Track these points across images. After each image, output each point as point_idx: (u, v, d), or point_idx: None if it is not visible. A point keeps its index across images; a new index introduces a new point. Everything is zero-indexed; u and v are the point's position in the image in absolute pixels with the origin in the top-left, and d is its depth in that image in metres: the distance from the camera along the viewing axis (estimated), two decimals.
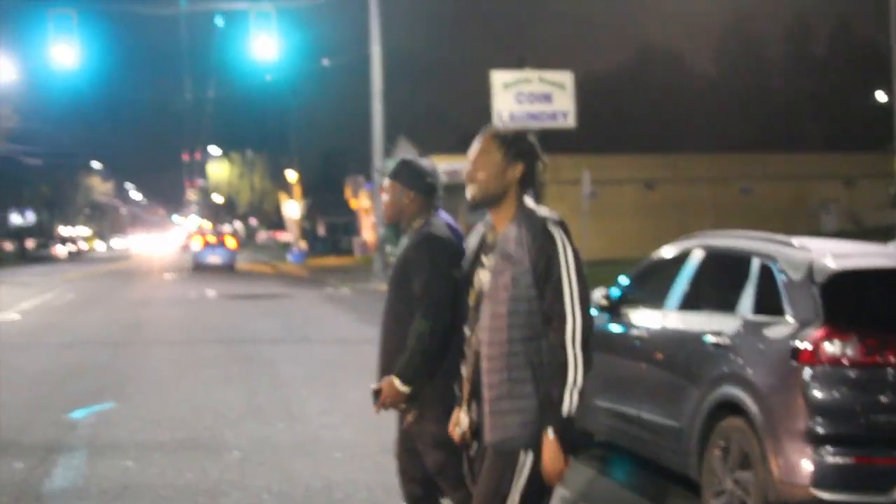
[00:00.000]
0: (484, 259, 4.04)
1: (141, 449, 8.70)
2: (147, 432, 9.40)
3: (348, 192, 68.76)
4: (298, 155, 68.92)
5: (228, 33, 36.99)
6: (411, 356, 4.48)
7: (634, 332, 7.45)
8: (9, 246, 78.03)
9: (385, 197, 5.00)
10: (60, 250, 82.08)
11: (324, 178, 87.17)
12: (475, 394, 4.04)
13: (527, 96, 35.03)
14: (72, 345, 16.85)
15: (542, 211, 3.95)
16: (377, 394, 4.59)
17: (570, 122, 34.93)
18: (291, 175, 69.18)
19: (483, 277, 4.00)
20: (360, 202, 63.47)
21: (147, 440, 9.05)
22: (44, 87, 58.25)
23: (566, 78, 35.52)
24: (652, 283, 7.84)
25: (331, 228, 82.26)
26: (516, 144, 4.04)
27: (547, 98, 35.07)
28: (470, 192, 4.02)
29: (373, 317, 17.80)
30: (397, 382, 4.49)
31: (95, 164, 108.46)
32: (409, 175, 4.87)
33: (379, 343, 4.82)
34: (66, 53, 28.69)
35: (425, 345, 4.46)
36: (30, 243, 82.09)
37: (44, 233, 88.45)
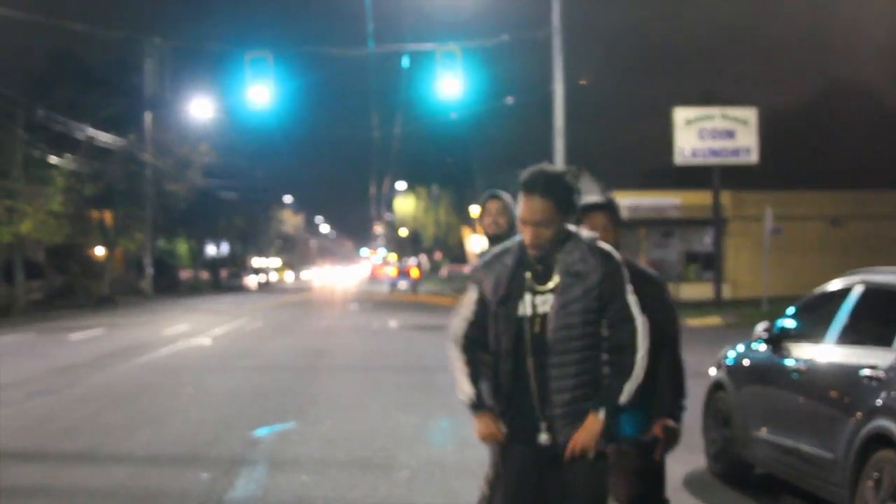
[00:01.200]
0: (531, 282, 4.29)
1: (317, 465, 9.19)
2: (324, 450, 9.89)
3: None
4: (482, 190, 69.52)
5: (415, 72, 37.96)
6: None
7: (794, 364, 7.49)
8: (205, 275, 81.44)
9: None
10: (251, 280, 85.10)
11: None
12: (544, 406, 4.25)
13: (709, 132, 34.78)
14: (258, 369, 17.66)
15: (584, 232, 4.37)
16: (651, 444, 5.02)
17: (753, 157, 34.47)
18: (475, 210, 69.81)
19: (537, 300, 4.27)
20: None
21: (323, 457, 9.54)
22: (239, 125, 60.94)
23: (750, 114, 35.12)
24: (814, 317, 7.85)
25: None
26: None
27: (730, 134, 34.74)
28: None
29: None
30: (672, 424, 5.01)
31: (287, 199, 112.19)
32: (617, 211, 5.19)
33: None
34: (261, 94, 29.96)
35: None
36: (224, 273, 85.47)
37: (237, 263, 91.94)
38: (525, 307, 4.26)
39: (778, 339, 7.98)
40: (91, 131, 42.97)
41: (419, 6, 39.39)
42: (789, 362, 7.60)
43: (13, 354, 21.28)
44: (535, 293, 4.27)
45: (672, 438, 5.01)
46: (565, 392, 4.20)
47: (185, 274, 77.57)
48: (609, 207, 5.07)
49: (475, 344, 4.41)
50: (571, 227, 4.34)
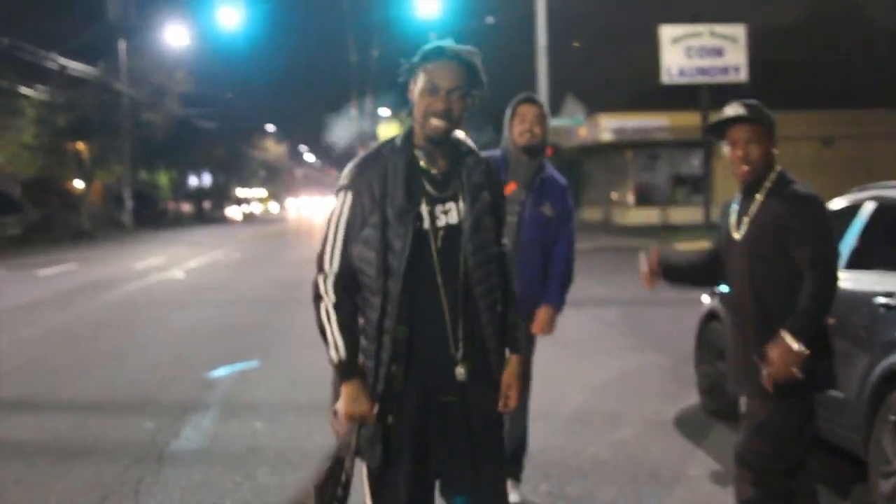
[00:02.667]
0: (427, 187, 3.64)
1: (274, 410, 8.46)
2: (284, 393, 9.15)
3: None
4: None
5: None
6: (809, 315, 4.07)
7: None
8: (188, 207, 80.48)
9: (732, 151, 4.41)
10: (234, 211, 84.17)
11: (491, 138, 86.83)
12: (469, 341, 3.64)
13: (696, 51, 33.86)
14: (229, 303, 16.92)
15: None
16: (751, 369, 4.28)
17: (742, 76, 33.57)
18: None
19: (437, 210, 3.62)
20: None
21: (282, 401, 8.80)
22: (217, 52, 59.54)
23: (738, 31, 34.15)
24: None
25: None
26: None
27: (718, 52, 33.82)
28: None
29: None
30: (791, 340, 4.03)
31: (269, 128, 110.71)
32: (769, 118, 4.39)
33: (738, 317, 4.49)
34: (230, 16, 28.95)
35: (822, 308, 4.13)
36: (207, 205, 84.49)
37: (220, 194, 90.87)
38: (424, 219, 3.58)
39: None
40: (62, 60, 41.77)
41: None
42: None
43: None
44: (432, 201, 3.62)
45: (787, 358, 4.08)
46: (489, 315, 3.67)
47: (167, 206, 76.66)
48: (753, 118, 4.29)
49: (350, 280, 3.62)
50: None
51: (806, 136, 39.09)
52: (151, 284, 21.14)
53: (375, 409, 3.54)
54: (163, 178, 75.01)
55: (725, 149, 4.38)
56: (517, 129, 5.64)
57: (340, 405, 3.59)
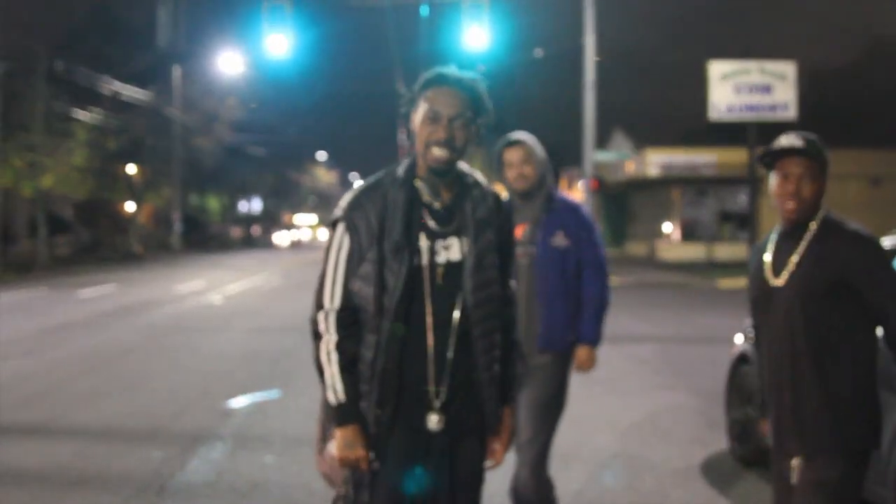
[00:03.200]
0: (428, 221, 3.49)
1: (287, 443, 8.28)
2: (300, 425, 8.91)
3: (563, 185, 68.07)
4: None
5: (440, 23, 36.87)
6: None
7: None
8: (237, 232, 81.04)
9: (782, 184, 3.97)
10: (282, 237, 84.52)
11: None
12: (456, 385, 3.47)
13: (745, 87, 33.37)
14: (261, 329, 16.84)
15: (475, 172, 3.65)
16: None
17: (791, 114, 33.04)
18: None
19: (437, 245, 3.48)
20: (575, 195, 62.69)
21: (297, 434, 8.56)
22: (268, 80, 59.93)
23: (788, 68, 33.65)
24: None
25: None
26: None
27: (767, 89, 33.32)
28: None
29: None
30: None
31: (320, 155, 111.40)
32: (825, 155, 3.98)
33: (786, 368, 3.95)
34: (278, 43, 28.98)
35: None
36: (256, 230, 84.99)
37: (270, 220, 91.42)
38: (422, 254, 3.44)
39: None
40: (115, 85, 42.27)
41: None
42: None
43: (13, 311, 20.63)
44: (433, 236, 3.47)
45: None
46: (487, 359, 3.51)
47: (216, 230, 77.17)
48: (810, 152, 3.89)
49: (352, 317, 3.46)
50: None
51: (854, 174, 38.50)
52: (187, 309, 21.15)
53: (371, 456, 3.40)
54: (213, 203, 75.59)
55: (773, 181, 3.93)
56: (509, 175, 5.40)
57: (333, 448, 3.44)
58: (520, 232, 5.23)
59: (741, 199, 40.11)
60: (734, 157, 36.82)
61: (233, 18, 53.62)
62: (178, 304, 22.01)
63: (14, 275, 33.91)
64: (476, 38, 30.12)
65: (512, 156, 5.38)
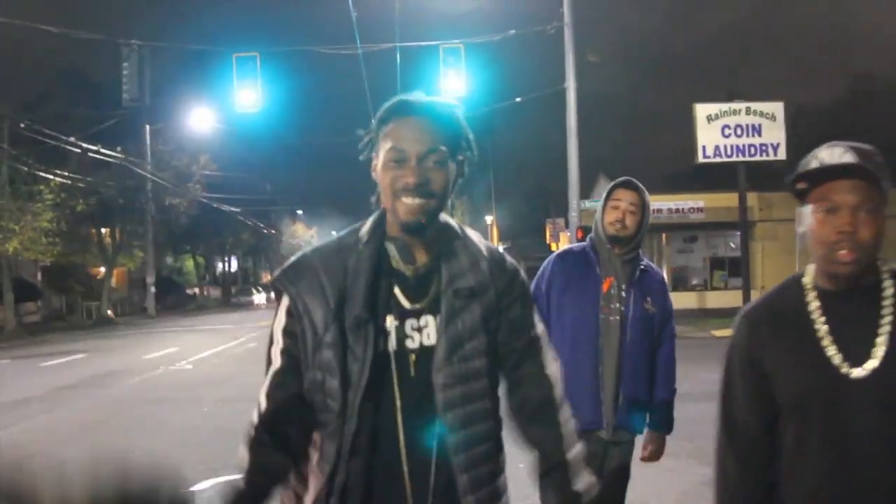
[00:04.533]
0: (398, 296, 2.65)
1: None
2: None
3: (548, 236, 67.30)
4: (496, 197, 68.17)
5: (418, 71, 36.02)
6: None
7: None
8: (215, 293, 79.85)
9: (827, 221, 2.78)
10: (259, 297, 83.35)
11: (523, 220, 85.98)
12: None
13: (733, 129, 32.60)
14: (230, 400, 15.49)
15: (469, 231, 2.86)
16: None
17: (781, 154, 32.27)
18: (489, 219, 68.53)
19: (408, 326, 2.63)
20: (560, 247, 61.90)
21: None
22: (241, 137, 59.20)
23: (776, 108, 32.91)
24: None
25: (530, 273, 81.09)
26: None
27: (756, 130, 32.56)
28: None
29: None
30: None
31: (299, 211, 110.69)
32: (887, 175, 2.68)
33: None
34: (249, 97, 28.02)
35: None
36: (233, 290, 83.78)
37: (248, 279, 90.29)
38: (391, 338, 2.60)
39: None
40: (84, 144, 41.21)
41: (423, 6, 37.35)
42: None
43: None
44: (403, 314, 2.63)
45: None
46: (471, 478, 2.61)
47: (193, 291, 75.93)
48: (873, 173, 2.55)
49: (285, 424, 2.60)
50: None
51: None
52: (155, 377, 19.86)
53: None
54: (189, 264, 74.49)
55: (809, 216, 2.63)
56: (609, 216, 4.97)
57: None
58: (606, 286, 4.91)
59: (732, 245, 39.25)
60: (723, 200, 36.08)
61: (202, 73, 52.58)
62: (147, 373, 20.67)
63: None
64: (453, 83, 29.29)
65: (623, 197, 4.98)
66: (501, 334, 2.72)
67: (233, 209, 63.60)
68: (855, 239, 2.50)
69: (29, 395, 17.08)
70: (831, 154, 2.58)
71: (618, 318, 4.91)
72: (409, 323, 2.61)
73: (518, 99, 37.59)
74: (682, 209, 39.51)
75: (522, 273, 2.83)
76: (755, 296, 35.14)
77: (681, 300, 40.28)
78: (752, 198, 35.78)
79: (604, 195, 5.07)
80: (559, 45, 31.96)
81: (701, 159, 33.20)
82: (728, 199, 34.35)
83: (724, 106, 33.03)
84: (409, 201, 2.55)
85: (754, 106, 32.92)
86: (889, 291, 2.58)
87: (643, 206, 4.98)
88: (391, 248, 2.66)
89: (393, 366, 2.57)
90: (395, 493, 2.55)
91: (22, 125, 37.27)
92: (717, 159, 32.91)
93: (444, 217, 2.72)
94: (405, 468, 2.54)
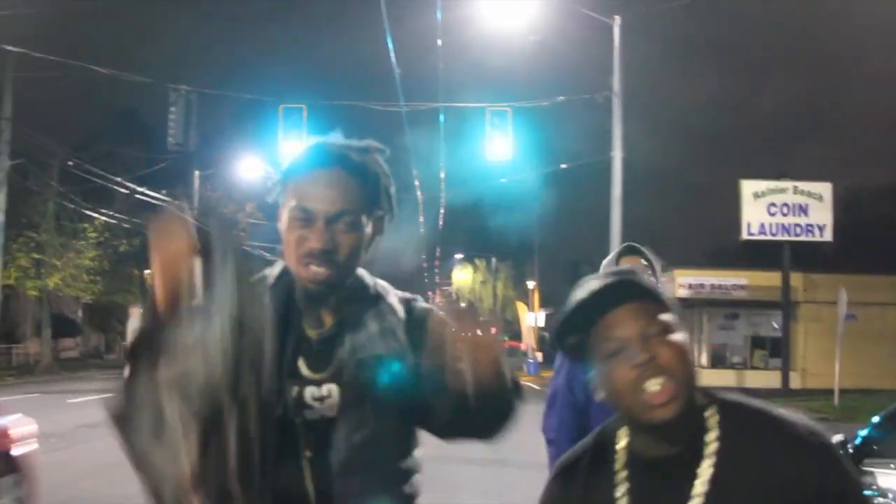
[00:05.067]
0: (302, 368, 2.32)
1: None
2: None
3: None
4: (539, 263, 67.94)
5: (463, 133, 36.02)
6: None
7: (879, 498, 5.35)
8: None
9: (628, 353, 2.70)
10: None
11: (566, 287, 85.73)
12: None
13: (780, 207, 32.27)
14: None
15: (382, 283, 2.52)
16: None
17: (827, 236, 31.92)
18: (531, 284, 68.31)
19: (307, 393, 2.28)
20: None
21: None
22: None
23: (824, 189, 32.59)
24: None
25: None
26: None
27: (802, 210, 32.22)
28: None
29: None
30: None
31: None
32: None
33: None
34: (295, 147, 28.15)
35: None
36: None
37: None
38: (288, 408, 2.26)
39: (857, 461, 5.85)
40: (130, 185, 41.63)
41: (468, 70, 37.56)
42: (874, 496, 5.50)
43: None
44: (304, 383, 2.29)
45: None
46: None
47: None
48: (637, 287, 2.10)
49: None
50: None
51: (893, 302, 37.09)
52: None
53: None
54: None
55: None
56: None
57: None
58: None
59: (773, 324, 38.70)
60: (766, 279, 35.61)
61: (251, 123, 53.17)
62: None
63: (14, 377, 32.72)
64: (499, 146, 29.18)
65: (630, 264, 4.50)
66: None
67: (273, 258, 63.92)
68: (655, 365, 1.95)
69: (50, 430, 16.97)
70: (587, 288, 2.05)
71: None
72: (309, 391, 2.29)
73: (563, 165, 37.53)
74: (725, 286, 39.08)
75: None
76: (795, 377, 34.39)
77: (719, 378, 39.66)
78: (797, 278, 35.32)
79: (613, 262, 4.68)
80: (607, 114, 31.86)
81: (745, 236, 32.89)
82: (771, 278, 33.90)
83: (772, 184, 32.75)
84: (313, 269, 2.28)
85: (802, 185, 32.61)
86: (711, 447, 1.98)
87: (653, 270, 4.62)
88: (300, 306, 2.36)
89: (296, 440, 2.25)
90: None
91: (70, 163, 37.65)
92: (762, 237, 32.58)
93: (360, 273, 2.43)
94: None
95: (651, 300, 2.02)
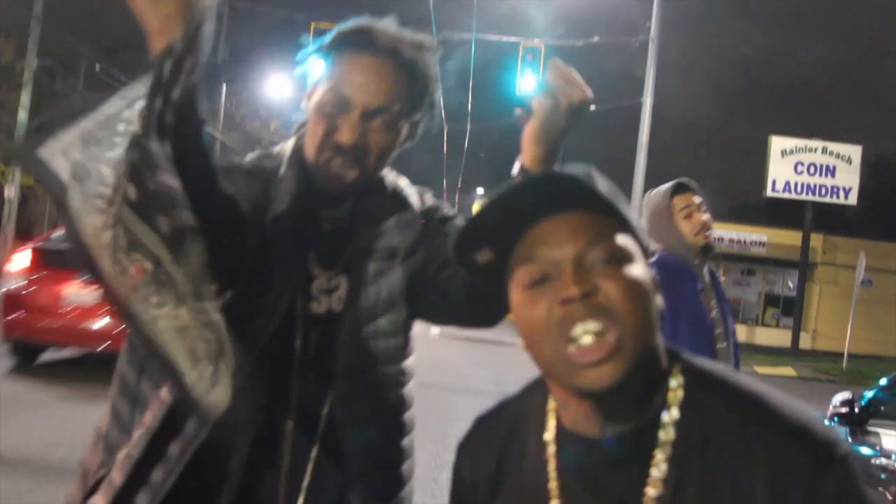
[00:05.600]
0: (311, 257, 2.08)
1: None
2: None
3: None
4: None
5: (493, 67, 35.77)
6: None
7: (883, 460, 5.32)
8: None
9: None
10: None
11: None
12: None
13: (806, 167, 31.98)
14: None
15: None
16: None
17: (852, 199, 31.70)
18: None
19: (314, 288, 2.07)
20: None
21: None
22: None
23: (854, 152, 32.26)
24: None
25: None
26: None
27: (829, 171, 31.92)
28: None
29: None
30: None
31: None
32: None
33: None
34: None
35: None
36: None
37: None
38: (297, 311, 2.02)
39: (862, 420, 5.80)
40: None
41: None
42: (877, 455, 5.46)
43: None
44: (310, 278, 2.07)
45: None
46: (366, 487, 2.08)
47: None
48: (584, 189, 1.52)
49: None
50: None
51: None
52: None
53: None
54: None
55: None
56: (687, 226, 4.27)
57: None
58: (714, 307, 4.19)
59: (789, 283, 38.59)
60: (787, 238, 35.42)
61: (281, 41, 52.94)
62: None
63: None
64: (529, 84, 28.97)
65: (690, 201, 4.32)
66: (426, 294, 2.18)
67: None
68: (594, 303, 1.36)
69: None
70: (510, 186, 1.45)
71: (725, 345, 4.22)
72: (318, 283, 2.09)
73: (592, 108, 37.23)
74: (745, 241, 38.93)
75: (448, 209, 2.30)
76: (805, 337, 34.27)
77: None
78: (817, 239, 35.12)
79: (657, 206, 4.39)
80: (641, 60, 31.54)
81: (769, 192, 32.63)
82: (792, 237, 33.74)
83: (801, 142, 32.43)
84: (336, 163, 2.04)
85: (831, 146, 32.28)
86: (668, 433, 1.41)
87: (706, 201, 4.43)
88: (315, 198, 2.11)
89: (297, 335, 2.04)
90: (267, 477, 2.03)
91: (98, 68, 37.56)
92: (786, 195, 32.33)
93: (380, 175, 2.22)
94: (285, 453, 2.02)
95: (603, 212, 1.42)
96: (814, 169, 32.06)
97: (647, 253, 1.45)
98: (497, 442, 1.61)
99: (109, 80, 38.36)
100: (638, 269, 1.39)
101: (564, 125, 1.94)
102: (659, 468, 1.38)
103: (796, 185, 32.11)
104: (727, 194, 43.06)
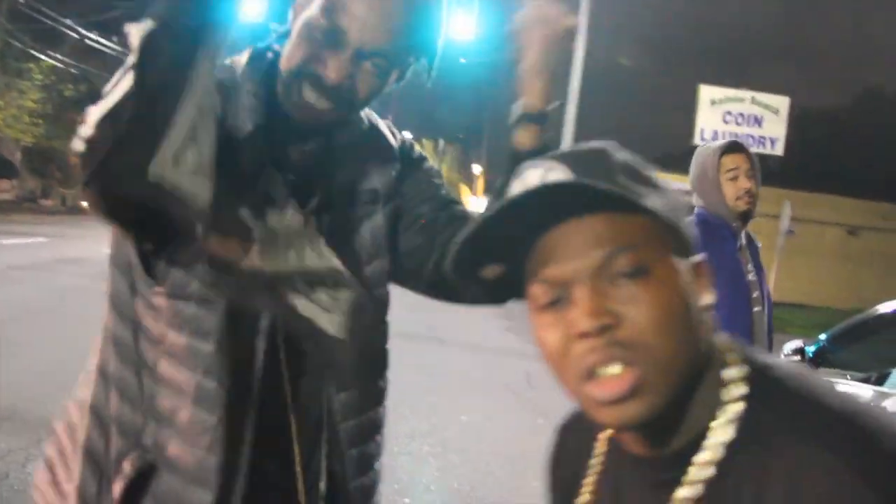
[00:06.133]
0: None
1: None
2: None
3: None
4: (488, 150, 67.89)
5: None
6: None
7: None
8: None
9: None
10: None
11: (510, 176, 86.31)
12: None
13: (735, 116, 32.22)
14: None
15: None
16: None
17: (778, 150, 31.95)
18: (477, 169, 68.38)
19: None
20: None
21: None
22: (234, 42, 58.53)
23: (782, 103, 32.50)
24: (866, 348, 5.86)
25: None
26: None
27: (757, 121, 32.19)
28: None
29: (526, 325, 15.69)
30: None
31: None
32: None
33: None
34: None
35: None
36: None
37: None
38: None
39: (812, 368, 5.67)
40: (80, 30, 40.49)
41: None
42: None
43: None
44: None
45: None
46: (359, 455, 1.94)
47: None
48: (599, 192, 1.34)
49: None
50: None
51: (832, 222, 37.46)
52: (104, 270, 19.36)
53: None
54: None
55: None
56: (731, 189, 4.22)
57: None
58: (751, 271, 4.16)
59: None
60: None
61: None
62: (99, 266, 20.22)
63: None
64: (461, 26, 28.67)
65: (739, 163, 4.22)
66: (410, 237, 2.00)
67: None
68: (615, 339, 1.15)
69: None
70: (526, 182, 1.24)
71: (760, 308, 4.12)
72: None
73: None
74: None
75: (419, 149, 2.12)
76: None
77: None
78: None
79: (705, 162, 4.29)
80: (575, 7, 31.40)
81: (698, 141, 32.77)
82: None
83: (730, 92, 32.64)
84: (313, 97, 1.76)
85: (759, 97, 32.53)
86: (705, 455, 1.18)
87: (756, 167, 4.36)
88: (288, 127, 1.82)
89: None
90: (282, 445, 1.83)
91: (21, 1, 36.47)
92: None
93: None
94: (293, 425, 1.82)
95: (625, 209, 1.16)
96: (741, 119, 32.30)
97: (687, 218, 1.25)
98: (567, 452, 1.50)
99: (32, 12, 37.35)
100: (672, 279, 1.16)
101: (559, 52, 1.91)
102: (693, 488, 1.17)
103: (724, 133, 32.27)
104: (655, 143, 43.31)
